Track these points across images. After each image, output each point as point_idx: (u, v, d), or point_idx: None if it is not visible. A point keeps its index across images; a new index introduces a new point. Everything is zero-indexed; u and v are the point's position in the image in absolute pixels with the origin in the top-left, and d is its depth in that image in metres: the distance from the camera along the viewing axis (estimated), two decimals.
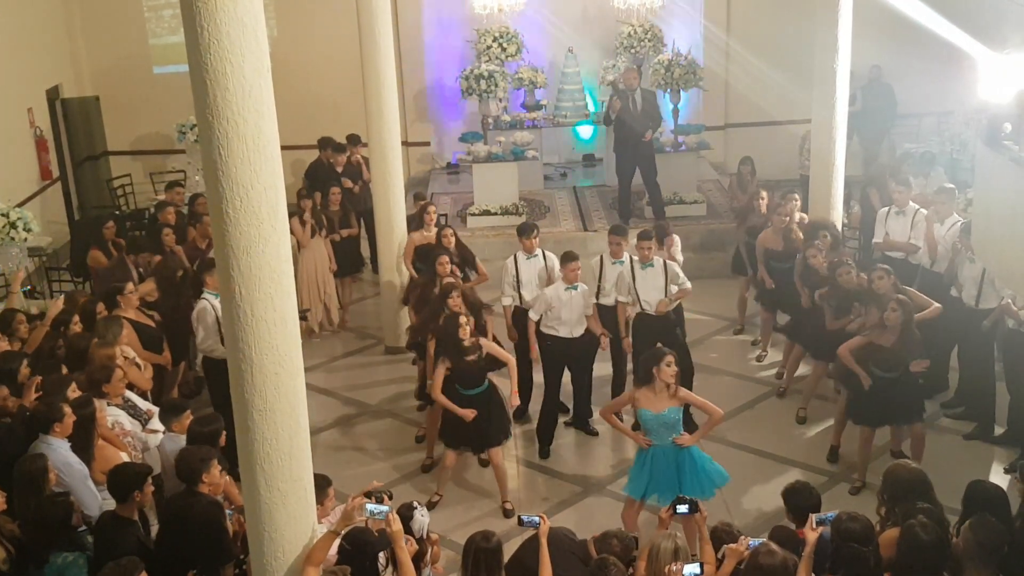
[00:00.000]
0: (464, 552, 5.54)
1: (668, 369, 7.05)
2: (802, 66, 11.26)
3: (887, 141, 14.95)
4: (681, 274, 9.11)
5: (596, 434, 9.40)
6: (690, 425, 8.14)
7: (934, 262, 9.63)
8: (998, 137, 5.54)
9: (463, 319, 7.99)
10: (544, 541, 5.69)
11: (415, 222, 11.05)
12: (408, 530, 5.81)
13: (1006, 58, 5.08)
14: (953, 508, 5.99)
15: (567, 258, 8.87)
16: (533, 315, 9.04)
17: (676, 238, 10.09)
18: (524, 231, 9.51)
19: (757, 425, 9.53)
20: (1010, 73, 5.03)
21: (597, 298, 9.29)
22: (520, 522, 5.91)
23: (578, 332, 8.96)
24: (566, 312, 8.86)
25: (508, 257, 9.61)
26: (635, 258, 9.11)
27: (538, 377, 9.49)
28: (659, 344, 7.95)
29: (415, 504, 6.01)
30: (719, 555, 5.45)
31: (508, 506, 8.33)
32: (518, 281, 9.36)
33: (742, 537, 5.43)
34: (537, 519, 5.80)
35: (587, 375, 9.31)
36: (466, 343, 7.96)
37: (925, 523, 5.18)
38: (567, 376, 9.32)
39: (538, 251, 9.49)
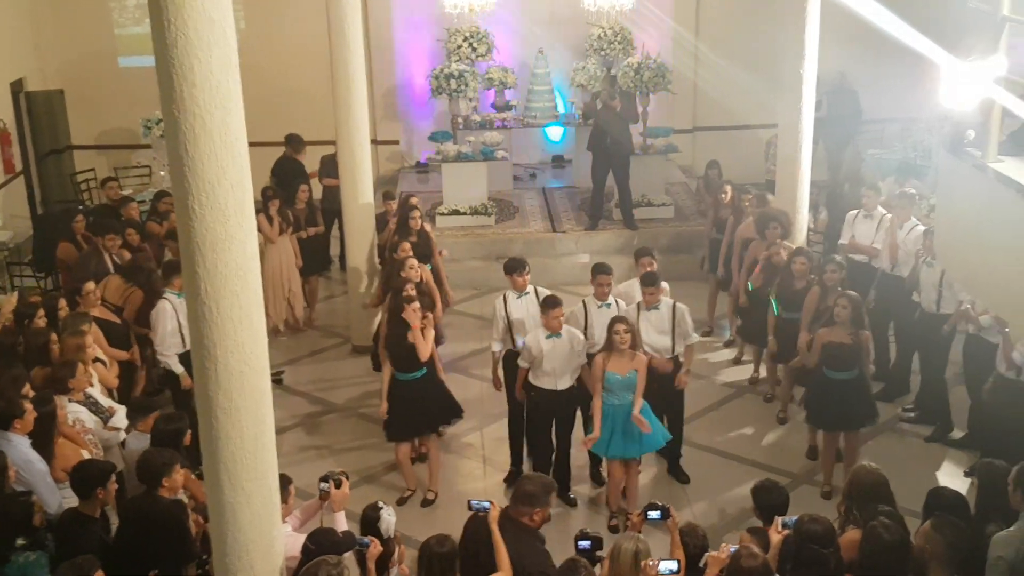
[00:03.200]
0: (419, 557, 5.51)
1: (617, 336, 7.59)
2: (770, 71, 11.35)
3: (851, 147, 15.08)
4: (690, 322, 8.45)
5: (575, 504, 8.48)
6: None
7: (895, 266, 9.73)
8: (961, 144, 5.62)
9: (415, 304, 8.09)
10: (495, 527, 5.69)
11: (384, 220, 11.04)
12: (375, 531, 5.80)
13: (970, 66, 5.15)
14: (913, 511, 6.07)
15: (548, 304, 7.98)
16: (522, 363, 8.22)
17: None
18: (514, 268, 8.54)
19: (722, 427, 9.58)
20: (973, 80, 5.10)
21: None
22: (470, 507, 5.91)
23: (563, 385, 8.08)
24: (548, 363, 7.99)
25: (497, 297, 8.70)
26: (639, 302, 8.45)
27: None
28: (659, 391, 8.24)
29: (380, 504, 6.00)
30: (701, 563, 5.47)
31: (431, 496, 8.46)
32: (509, 323, 8.50)
33: (723, 544, 5.46)
34: (487, 504, 5.80)
35: (569, 434, 8.36)
36: (411, 325, 8.05)
37: (888, 524, 5.24)
38: None
39: (530, 288, 8.56)
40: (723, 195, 11.09)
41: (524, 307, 8.50)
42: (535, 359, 8.04)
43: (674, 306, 8.39)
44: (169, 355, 8.66)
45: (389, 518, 5.90)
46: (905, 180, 11.43)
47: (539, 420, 8.31)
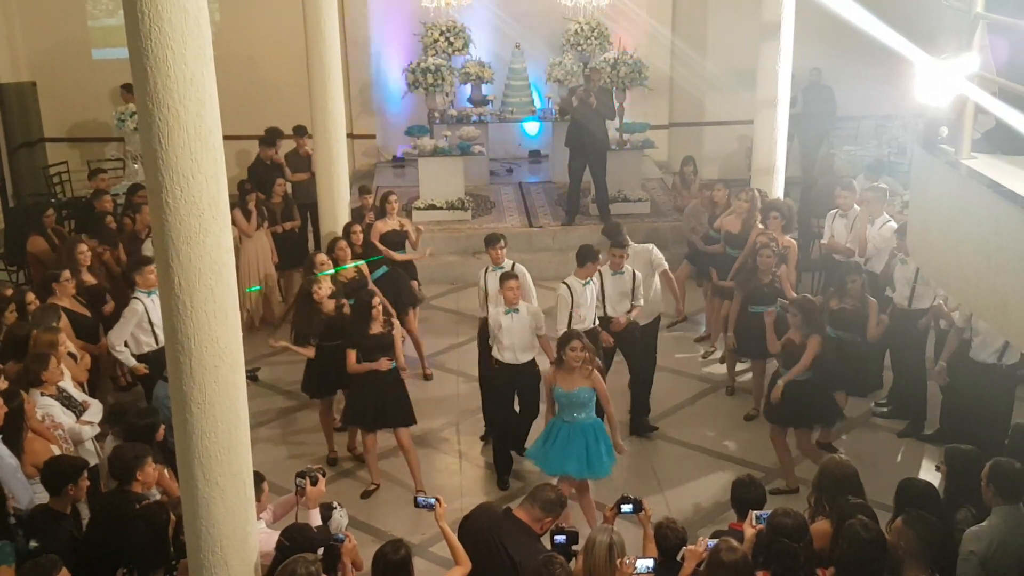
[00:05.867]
0: (373, 564, 5.43)
1: (572, 353, 7.40)
2: (745, 67, 11.39)
3: (826, 143, 15.19)
4: (640, 289, 9.00)
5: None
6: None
7: (867, 260, 9.78)
8: (934, 141, 5.66)
9: (376, 300, 8.18)
10: (444, 524, 5.68)
11: (360, 215, 11.00)
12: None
13: (944, 63, 5.19)
14: (884, 504, 6.11)
15: (505, 276, 8.36)
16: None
17: None
18: (489, 242, 9.07)
19: (696, 422, 9.61)
20: (947, 78, 5.13)
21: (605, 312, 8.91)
22: (416, 504, 5.90)
23: (524, 358, 8.34)
24: (507, 337, 8.28)
25: (481, 268, 9.15)
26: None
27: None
28: (618, 347, 8.76)
29: (334, 504, 6.00)
30: (679, 557, 5.48)
31: (420, 495, 8.36)
32: (486, 295, 8.95)
33: (701, 539, 5.47)
34: (432, 501, 5.79)
35: (534, 407, 8.53)
36: (376, 325, 8.11)
37: (865, 522, 5.27)
38: None
39: (506, 263, 8.95)
40: (715, 194, 10.86)
41: (498, 280, 8.61)
42: (494, 334, 8.34)
43: (634, 273, 8.93)
44: (121, 350, 8.54)
45: (341, 519, 5.90)
46: (877, 177, 11.50)
47: (498, 393, 8.55)
